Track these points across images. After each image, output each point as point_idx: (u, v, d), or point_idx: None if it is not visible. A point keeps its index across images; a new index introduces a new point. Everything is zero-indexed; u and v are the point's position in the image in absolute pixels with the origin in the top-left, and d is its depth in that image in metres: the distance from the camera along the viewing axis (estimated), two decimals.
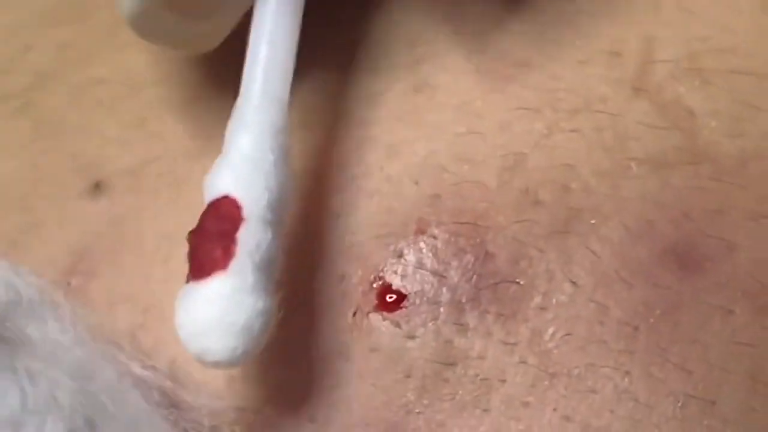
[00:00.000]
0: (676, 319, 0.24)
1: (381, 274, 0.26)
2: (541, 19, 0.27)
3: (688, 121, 0.25)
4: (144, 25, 0.25)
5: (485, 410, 0.24)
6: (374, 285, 0.26)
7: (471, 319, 0.25)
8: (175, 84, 0.28)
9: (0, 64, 0.30)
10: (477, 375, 0.24)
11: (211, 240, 0.23)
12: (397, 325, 0.25)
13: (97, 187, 0.28)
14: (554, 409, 0.24)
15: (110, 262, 0.27)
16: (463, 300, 0.25)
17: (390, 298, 0.25)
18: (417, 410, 0.25)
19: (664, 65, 0.26)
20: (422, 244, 0.26)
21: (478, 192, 0.26)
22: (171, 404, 0.25)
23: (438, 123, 0.27)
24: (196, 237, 0.23)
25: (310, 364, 0.25)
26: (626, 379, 0.24)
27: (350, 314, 0.26)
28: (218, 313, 0.22)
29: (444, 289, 0.25)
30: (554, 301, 0.25)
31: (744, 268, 0.25)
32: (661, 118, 0.26)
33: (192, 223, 0.23)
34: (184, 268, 0.24)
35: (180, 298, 0.23)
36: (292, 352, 0.26)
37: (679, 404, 0.24)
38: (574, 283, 0.25)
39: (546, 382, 0.24)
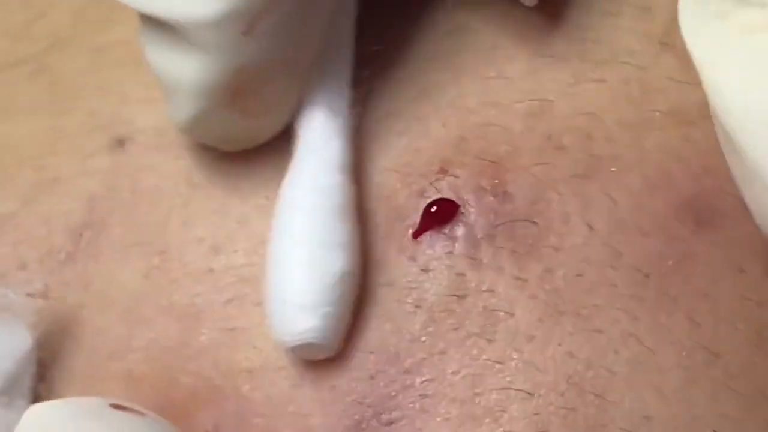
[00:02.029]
0: (688, 271, 0.25)
1: (403, 211, 0.26)
2: None
3: None
4: (200, 126, 0.26)
5: (489, 340, 0.24)
6: (396, 222, 0.26)
7: (485, 254, 0.25)
8: None
9: (13, 30, 0.31)
10: (485, 307, 0.25)
11: None
12: (413, 258, 0.26)
13: (119, 143, 0.28)
14: (559, 344, 0.24)
15: (125, 212, 0.28)
16: (479, 236, 0.25)
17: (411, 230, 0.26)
18: (422, 338, 0.25)
19: None
20: (444, 183, 0.26)
21: (502, 135, 0.26)
22: None
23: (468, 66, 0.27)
24: None
25: None
26: (633, 324, 0.24)
27: (375, 248, 0.26)
28: None
29: (461, 225, 0.26)
30: (568, 242, 0.25)
31: (758, 228, 0.25)
32: (687, 73, 0.26)
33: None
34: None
35: None
36: None
37: (684, 353, 0.24)
38: (590, 226, 0.25)
39: (553, 319, 0.24)
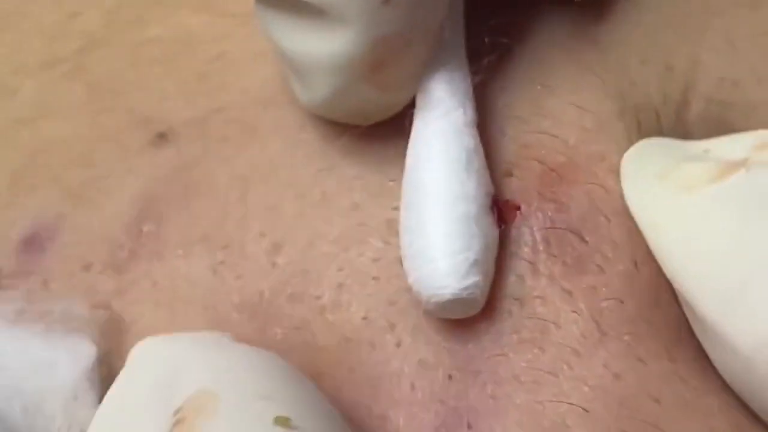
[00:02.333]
0: None
1: None
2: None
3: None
4: (337, 103, 0.26)
5: (542, 349, 0.25)
6: None
7: (541, 261, 0.25)
8: (236, 41, 0.29)
9: (47, 30, 0.30)
10: (535, 315, 0.25)
11: None
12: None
13: (162, 138, 0.28)
14: (604, 365, 0.24)
15: (181, 206, 0.27)
16: (538, 240, 0.25)
17: None
18: (484, 340, 0.25)
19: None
20: (508, 185, 0.26)
21: (560, 146, 0.26)
22: None
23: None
24: None
25: None
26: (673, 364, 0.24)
27: None
28: None
29: (522, 228, 0.26)
30: (614, 269, 0.25)
31: None
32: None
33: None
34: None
35: None
36: None
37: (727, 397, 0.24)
38: (635, 263, 0.25)
39: (596, 338, 0.24)
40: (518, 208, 0.25)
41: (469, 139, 0.25)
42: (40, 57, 0.30)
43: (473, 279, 0.24)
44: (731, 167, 0.24)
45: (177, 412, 0.22)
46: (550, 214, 0.25)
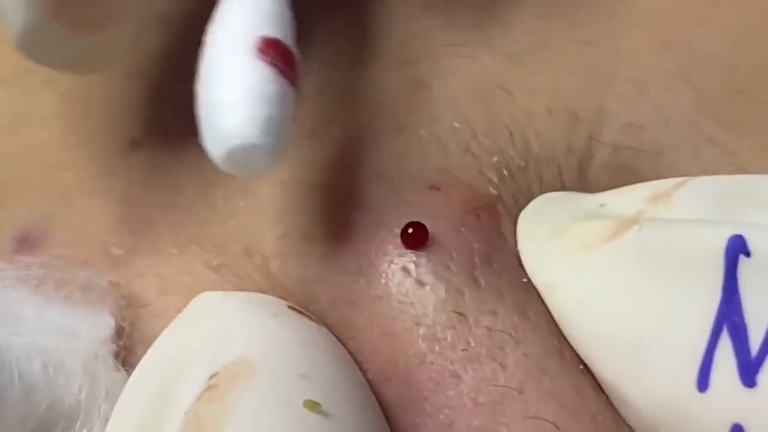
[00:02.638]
0: None
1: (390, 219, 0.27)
2: None
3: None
4: (35, 45, 0.25)
5: (502, 366, 0.25)
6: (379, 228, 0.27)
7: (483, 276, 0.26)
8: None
9: None
10: (490, 329, 0.25)
11: None
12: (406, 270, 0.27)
13: (134, 145, 0.29)
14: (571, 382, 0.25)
15: (167, 210, 0.28)
16: (475, 258, 0.26)
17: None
18: (429, 360, 0.25)
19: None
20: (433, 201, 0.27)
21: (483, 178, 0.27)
22: None
23: None
24: None
25: None
26: None
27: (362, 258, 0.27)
28: None
29: (453, 242, 0.26)
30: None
31: None
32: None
33: None
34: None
35: None
36: None
37: None
38: None
39: (559, 354, 0.25)
40: (427, 233, 0.26)
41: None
42: (13, 67, 0.31)
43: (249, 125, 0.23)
44: (625, 224, 0.24)
45: (213, 376, 0.22)
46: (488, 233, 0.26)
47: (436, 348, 0.25)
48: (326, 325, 0.26)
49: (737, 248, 0.22)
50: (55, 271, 0.27)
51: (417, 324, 0.25)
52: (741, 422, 0.21)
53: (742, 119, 0.27)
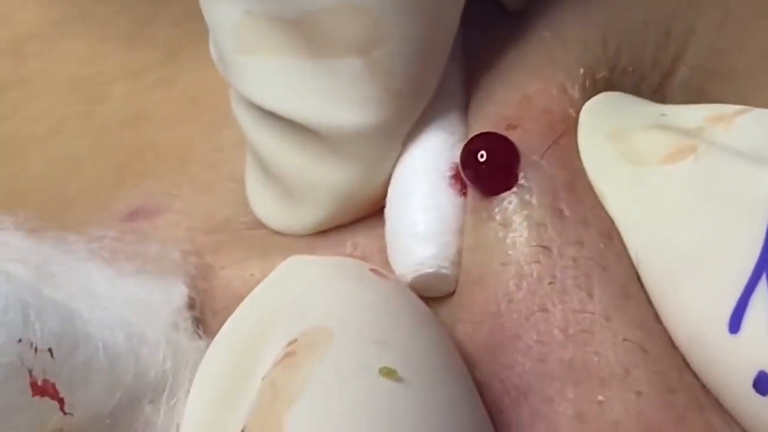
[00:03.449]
0: None
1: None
2: None
3: None
4: (329, 223, 0.27)
5: (589, 294, 0.25)
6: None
7: (567, 205, 0.26)
8: None
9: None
10: (575, 259, 0.25)
11: None
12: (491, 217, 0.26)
13: None
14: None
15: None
16: (558, 186, 0.26)
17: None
18: (518, 296, 0.25)
19: None
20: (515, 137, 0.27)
21: (565, 99, 0.27)
22: None
23: None
24: None
25: None
26: None
27: None
28: None
29: (534, 175, 0.26)
30: None
31: None
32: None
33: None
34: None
35: None
36: None
37: None
38: None
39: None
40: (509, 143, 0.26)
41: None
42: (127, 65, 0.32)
43: (442, 256, 0.25)
44: (681, 150, 0.24)
45: (291, 343, 0.22)
46: (568, 161, 0.26)
47: (524, 285, 0.25)
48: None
49: None
50: (126, 244, 0.27)
51: (504, 264, 0.25)
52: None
53: None
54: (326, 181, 0.26)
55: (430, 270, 0.25)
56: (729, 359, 0.22)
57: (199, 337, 0.26)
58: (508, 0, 0.28)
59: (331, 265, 0.25)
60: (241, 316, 0.25)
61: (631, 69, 0.27)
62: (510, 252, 0.25)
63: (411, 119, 0.26)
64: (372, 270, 0.25)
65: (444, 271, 0.25)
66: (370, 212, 0.27)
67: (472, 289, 0.26)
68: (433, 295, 0.26)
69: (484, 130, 0.26)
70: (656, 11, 0.28)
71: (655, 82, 0.28)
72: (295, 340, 0.22)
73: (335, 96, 0.25)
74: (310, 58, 0.25)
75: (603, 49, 0.27)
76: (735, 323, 0.22)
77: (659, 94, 0.28)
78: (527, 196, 0.26)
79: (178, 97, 0.32)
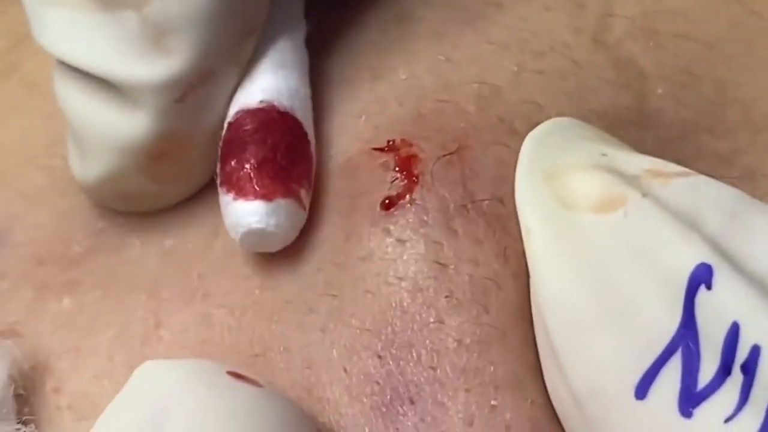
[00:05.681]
0: None
1: (370, 186, 0.27)
2: None
3: (640, 83, 0.29)
4: (107, 187, 0.27)
5: (486, 309, 0.25)
6: (363, 196, 0.27)
7: (459, 225, 0.26)
8: None
9: None
10: (472, 276, 0.26)
11: None
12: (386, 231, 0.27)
13: None
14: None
15: None
16: (451, 207, 0.27)
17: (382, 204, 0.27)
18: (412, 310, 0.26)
19: (622, 20, 0.29)
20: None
21: (458, 114, 0.28)
22: None
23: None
24: None
25: None
26: None
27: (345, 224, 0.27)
28: None
29: (431, 196, 0.27)
30: None
31: None
32: (617, 74, 0.29)
33: None
34: None
35: None
36: None
37: None
38: None
39: None
40: (394, 203, 0.27)
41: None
42: None
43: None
44: (613, 200, 0.24)
45: None
46: (461, 180, 0.26)
47: (419, 298, 0.26)
48: (315, 286, 0.27)
49: (700, 277, 0.22)
50: None
51: (399, 279, 0.26)
52: None
53: None
54: (114, 131, 0.26)
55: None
56: (629, 423, 0.22)
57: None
58: None
59: (185, 373, 0.24)
60: (104, 424, 0.24)
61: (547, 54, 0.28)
62: (405, 267, 0.26)
63: (207, 80, 0.26)
64: (230, 373, 0.24)
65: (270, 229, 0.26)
66: (178, 180, 0.28)
67: (364, 296, 0.26)
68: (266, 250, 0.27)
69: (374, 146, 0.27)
70: None
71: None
72: None
73: (118, 49, 0.25)
74: (100, 10, 0.25)
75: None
76: (642, 390, 0.22)
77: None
78: (422, 213, 0.26)
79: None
